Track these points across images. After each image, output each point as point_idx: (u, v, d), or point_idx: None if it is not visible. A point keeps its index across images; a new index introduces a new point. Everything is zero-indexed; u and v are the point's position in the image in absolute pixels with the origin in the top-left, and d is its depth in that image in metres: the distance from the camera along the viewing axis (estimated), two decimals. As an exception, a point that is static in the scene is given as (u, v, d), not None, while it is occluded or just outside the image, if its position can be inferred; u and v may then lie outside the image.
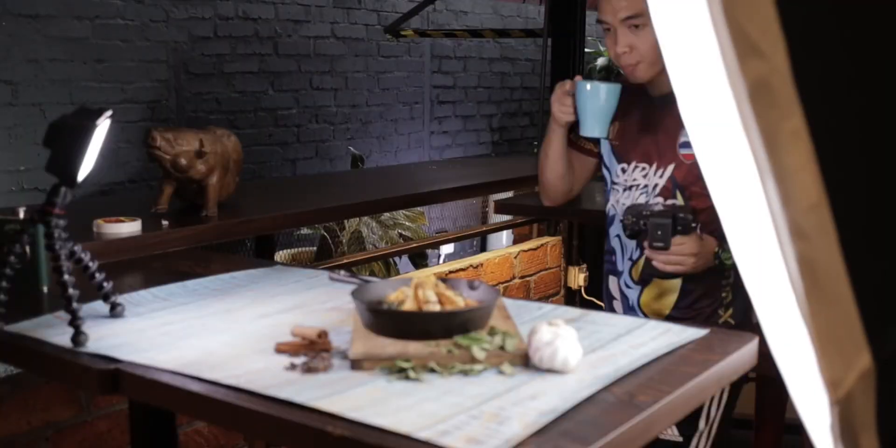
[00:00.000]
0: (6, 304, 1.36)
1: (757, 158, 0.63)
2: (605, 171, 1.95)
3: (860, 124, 0.70)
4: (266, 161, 4.78)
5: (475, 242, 5.76)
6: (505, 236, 5.42)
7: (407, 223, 4.88)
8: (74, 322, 1.28)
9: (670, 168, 1.76)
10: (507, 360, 1.17)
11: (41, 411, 1.90)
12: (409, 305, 1.27)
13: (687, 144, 1.74)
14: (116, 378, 1.19)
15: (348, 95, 5.41)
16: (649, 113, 1.82)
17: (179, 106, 4.44)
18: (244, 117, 4.79)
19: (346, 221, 4.53)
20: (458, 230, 5.61)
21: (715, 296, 1.77)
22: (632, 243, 1.82)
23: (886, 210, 0.72)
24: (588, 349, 1.24)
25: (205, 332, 1.34)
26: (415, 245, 4.31)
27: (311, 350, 1.22)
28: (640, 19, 1.70)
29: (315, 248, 4.64)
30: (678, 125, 1.74)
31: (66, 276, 1.32)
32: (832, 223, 0.66)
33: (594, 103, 1.80)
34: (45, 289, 1.62)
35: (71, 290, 1.31)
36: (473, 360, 1.16)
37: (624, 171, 1.86)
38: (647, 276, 1.81)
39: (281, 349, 1.23)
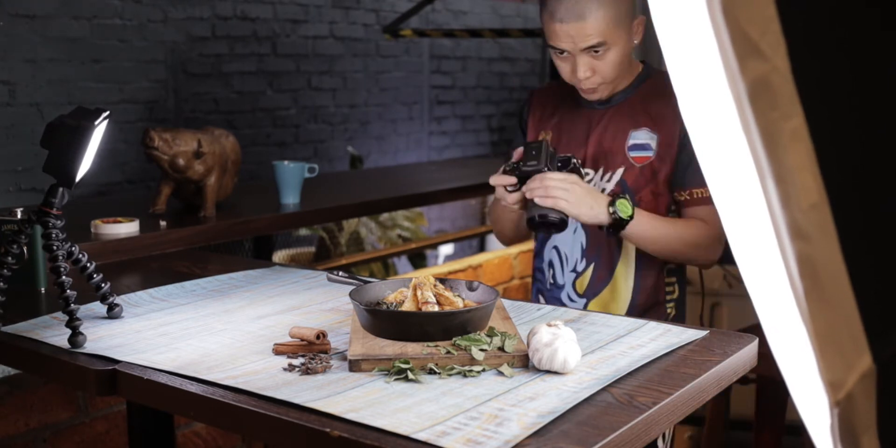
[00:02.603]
0: (4, 304, 1.36)
1: (757, 158, 0.63)
2: None
3: (860, 124, 0.70)
4: (264, 161, 4.77)
5: (474, 243, 5.75)
6: (504, 236, 5.40)
7: (406, 224, 4.88)
8: (72, 323, 1.28)
9: (619, 172, 1.71)
10: (506, 362, 1.17)
11: (39, 412, 1.90)
12: (407, 306, 1.27)
13: (636, 147, 1.71)
14: (114, 379, 1.19)
15: (347, 95, 5.40)
16: (593, 118, 1.76)
17: (177, 106, 4.43)
18: (242, 117, 4.78)
19: (344, 222, 4.53)
20: (457, 231, 5.61)
21: (660, 311, 1.75)
22: (576, 253, 1.77)
23: (886, 210, 0.72)
24: (587, 350, 1.24)
25: (203, 332, 1.34)
26: (414, 246, 4.31)
27: (310, 351, 1.22)
28: (602, 47, 1.62)
29: (314, 249, 4.63)
30: (626, 128, 1.72)
31: (63, 277, 1.32)
32: (832, 223, 0.65)
33: None
34: (43, 289, 1.62)
35: (68, 291, 1.31)
36: (472, 362, 1.16)
37: None
38: (593, 290, 1.76)
39: (279, 350, 1.23)
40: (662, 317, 1.75)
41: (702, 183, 1.67)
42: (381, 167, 5.15)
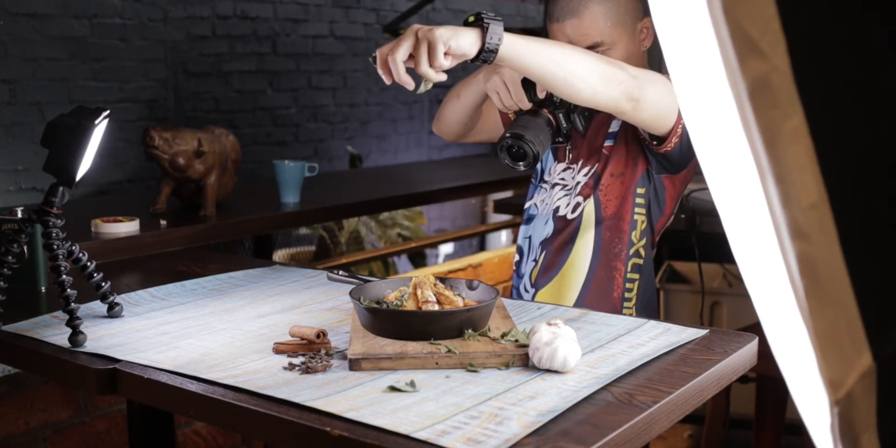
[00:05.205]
0: (4, 303, 1.36)
1: (757, 158, 0.63)
2: (537, 166, 1.83)
3: (860, 124, 0.70)
4: (264, 160, 4.77)
5: (474, 242, 5.75)
6: (504, 236, 5.41)
7: (406, 223, 4.88)
8: (72, 322, 1.28)
9: (594, 165, 1.69)
10: (506, 361, 1.17)
11: (39, 411, 1.90)
12: (407, 305, 1.27)
13: (611, 136, 1.67)
14: (114, 378, 1.19)
15: (347, 95, 5.40)
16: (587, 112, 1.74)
17: (177, 105, 4.43)
18: (242, 116, 4.78)
19: (344, 221, 4.53)
20: (457, 230, 5.60)
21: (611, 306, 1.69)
22: (536, 244, 1.74)
23: (886, 210, 0.72)
24: (587, 349, 1.24)
25: (203, 331, 1.34)
26: (414, 245, 4.31)
27: (310, 350, 1.22)
28: (600, 47, 1.60)
29: (314, 248, 4.63)
30: (606, 120, 1.69)
31: (63, 276, 1.32)
32: (832, 223, 0.65)
33: None
34: (43, 289, 1.62)
35: (69, 290, 1.31)
36: (472, 361, 1.16)
37: (554, 170, 1.78)
38: (543, 278, 1.72)
39: (279, 349, 1.23)
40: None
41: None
42: (381, 166, 5.15)
